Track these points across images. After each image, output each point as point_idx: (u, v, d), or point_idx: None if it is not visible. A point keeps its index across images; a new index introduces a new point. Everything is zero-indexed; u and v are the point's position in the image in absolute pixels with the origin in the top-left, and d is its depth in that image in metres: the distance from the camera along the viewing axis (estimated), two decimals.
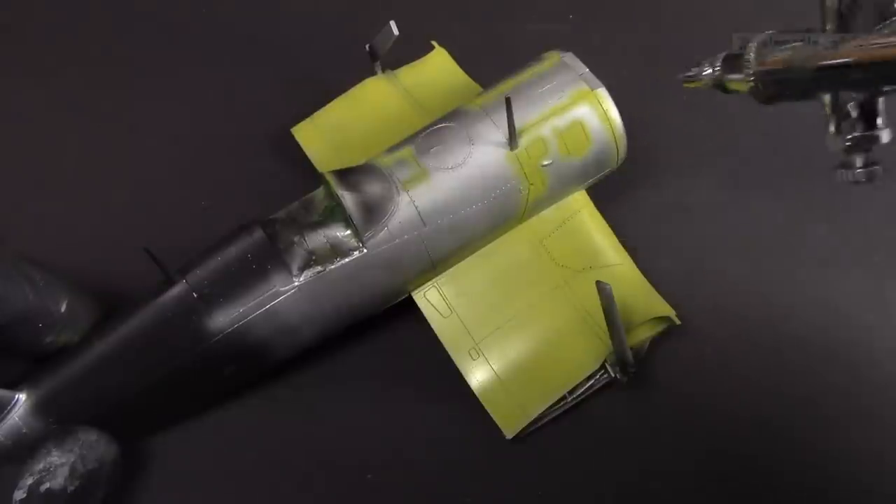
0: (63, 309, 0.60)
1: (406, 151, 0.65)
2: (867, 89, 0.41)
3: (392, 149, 0.66)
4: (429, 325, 0.66)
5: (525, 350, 0.66)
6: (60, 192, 0.83)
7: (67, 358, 0.59)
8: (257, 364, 0.63)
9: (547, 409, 0.64)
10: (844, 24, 0.39)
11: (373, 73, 0.81)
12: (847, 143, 0.44)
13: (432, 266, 0.65)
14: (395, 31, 0.74)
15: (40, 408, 0.58)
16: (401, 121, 0.76)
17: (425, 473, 0.66)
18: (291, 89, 0.88)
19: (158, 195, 0.81)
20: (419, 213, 0.62)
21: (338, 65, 0.79)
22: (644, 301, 0.67)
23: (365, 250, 0.61)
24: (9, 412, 0.58)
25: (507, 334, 0.66)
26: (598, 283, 0.59)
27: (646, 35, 0.90)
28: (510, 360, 0.65)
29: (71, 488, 0.55)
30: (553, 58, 0.68)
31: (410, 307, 0.68)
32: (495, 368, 0.65)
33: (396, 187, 0.62)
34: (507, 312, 0.67)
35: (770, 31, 0.45)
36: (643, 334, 0.65)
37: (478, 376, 0.65)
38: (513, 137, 0.63)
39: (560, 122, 0.65)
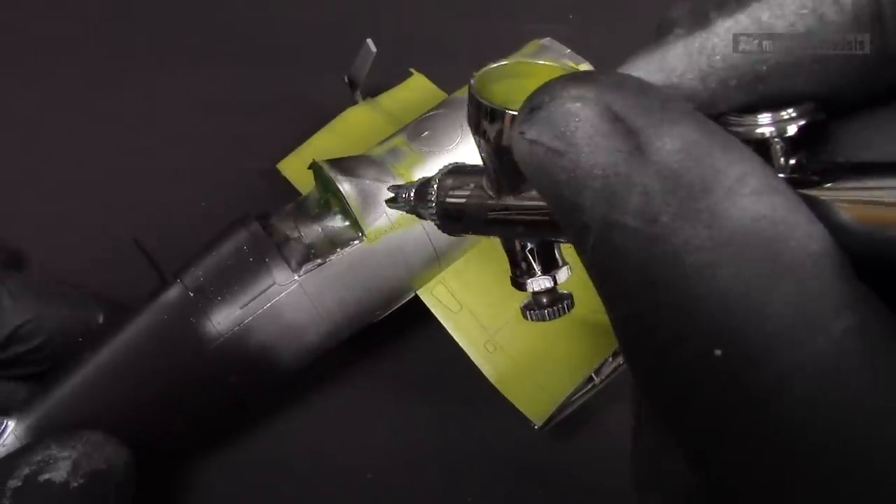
0: (101, 320, 0.59)
1: (397, 140, 0.64)
2: (536, 238, 0.39)
3: (383, 141, 0.65)
4: (430, 325, 0.64)
5: (542, 336, 0.62)
6: (59, 192, 0.82)
7: (60, 375, 0.55)
8: (262, 372, 0.59)
9: (575, 394, 0.60)
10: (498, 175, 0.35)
11: (353, 103, 0.81)
12: (527, 287, 0.42)
13: (436, 257, 0.63)
14: (373, 49, 0.74)
15: (33, 432, 0.54)
16: None
17: (425, 473, 0.63)
18: (293, 89, 0.88)
19: (158, 195, 0.79)
20: None
21: (339, 62, 0.80)
22: None
23: (365, 239, 0.59)
24: None
25: (522, 323, 0.63)
26: None
27: (646, 35, 0.89)
28: (528, 348, 0.62)
29: (74, 484, 0.48)
30: (534, 44, 0.68)
31: (412, 308, 0.65)
32: (514, 358, 0.61)
33: (391, 173, 0.61)
34: (519, 301, 0.64)
35: (452, 164, 0.43)
36: None
37: (496, 369, 0.61)
38: None
39: None
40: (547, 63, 0.33)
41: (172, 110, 0.90)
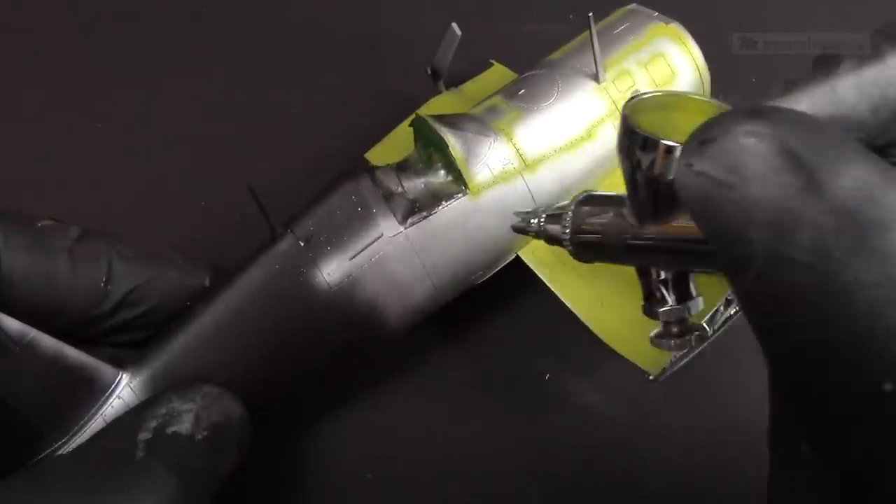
0: (207, 283, 0.59)
1: (495, 99, 0.64)
2: (676, 268, 0.40)
3: (479, 102, 0.65)
4: (427, 324, 0.63)
5: None
6: (60, 193, 0.82)
7: (174, 330, 0.55)
8: (369, 330, 0.58)
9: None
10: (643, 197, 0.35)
11: (437, 92, 0.82)
12: (660, 316, 0.43)
13: None
14: (458, 32, 0.75)
15: (148, 385, 0.53)
16: None
17: (425, 473, 0.63)
18: (292, 88, 0.89)
19: (158, 195, 0.80)
20: (517, 150, 0.60)
21: (338, 62, 0.80)
22: None
23: (469, 192, 0.59)
24: (111, 393, 0.53)
25: (628, 277, 0.61)
26: None
27: None
28: (637, 301, 0.60)
29: (199, 437, 0.48)
30: (622, 10, 0.69)
31: None
32: (624, 311, 0.60)
33: (492, 128, 0.61)
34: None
35: (585, 192, 0.43)
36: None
37: (606, 324, 0.59)
38: (598, 69, 0.62)
39: (642, 55, 0.64)
40: (697, 98, 0.33)
41: (173, 110, 0.91)
